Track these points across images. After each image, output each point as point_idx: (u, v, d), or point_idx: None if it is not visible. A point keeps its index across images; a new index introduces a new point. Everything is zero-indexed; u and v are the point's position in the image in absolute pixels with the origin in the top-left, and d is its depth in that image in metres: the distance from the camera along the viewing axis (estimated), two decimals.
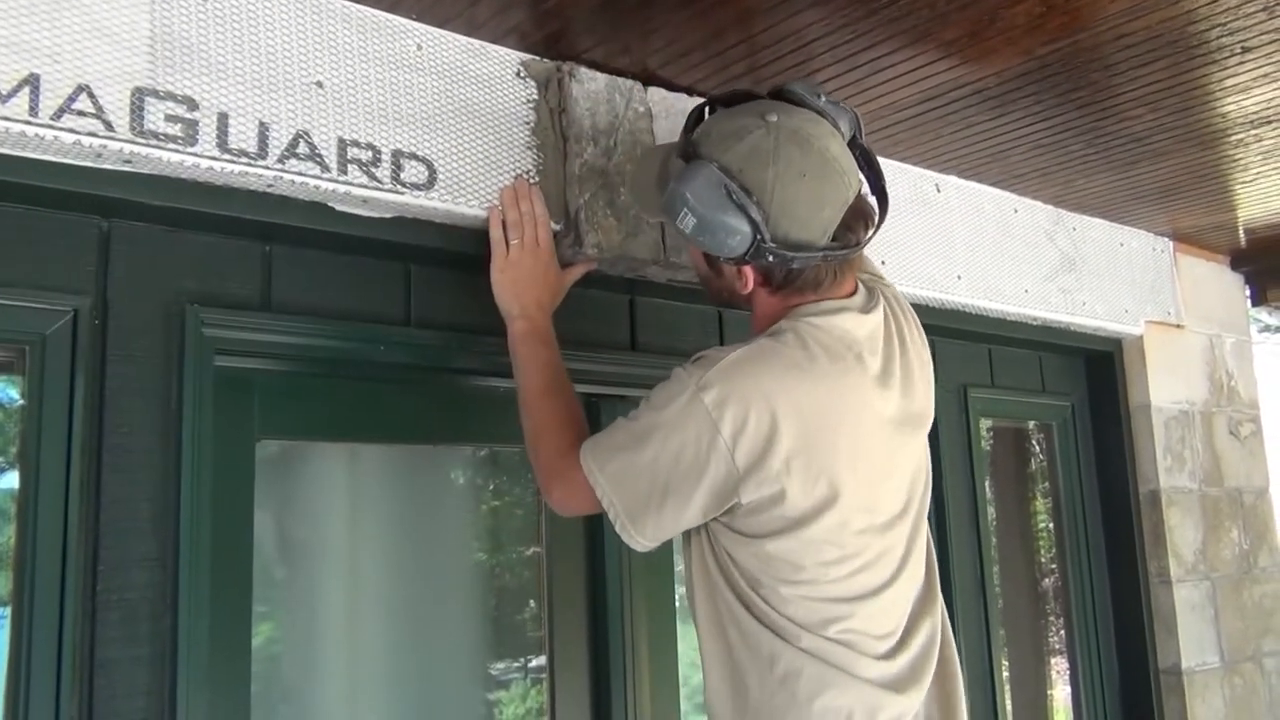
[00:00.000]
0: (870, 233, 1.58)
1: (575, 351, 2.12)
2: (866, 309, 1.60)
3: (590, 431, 1.67)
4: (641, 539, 1.56)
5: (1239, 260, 3.70)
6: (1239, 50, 2.06)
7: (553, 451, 1.67)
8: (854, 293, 1.62)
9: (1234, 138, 2.53)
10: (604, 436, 1.59)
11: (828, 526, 1.49)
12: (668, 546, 2.30)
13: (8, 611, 1.53)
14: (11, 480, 1.59)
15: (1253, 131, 2.49)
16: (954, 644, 1.68)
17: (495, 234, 1.85)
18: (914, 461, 1.65)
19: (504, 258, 1.83)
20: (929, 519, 1.72)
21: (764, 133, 1.49)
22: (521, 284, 1.82)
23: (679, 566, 2.38)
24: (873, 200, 1.65)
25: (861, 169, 1.62)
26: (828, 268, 1.55)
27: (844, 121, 1.60)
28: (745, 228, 1.46)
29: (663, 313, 2.28)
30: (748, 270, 1.56)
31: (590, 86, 2.01)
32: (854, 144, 1.61)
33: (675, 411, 1.49)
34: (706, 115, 1.65)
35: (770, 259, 1.49)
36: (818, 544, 1.50)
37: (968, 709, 1.68)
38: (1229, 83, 2.21)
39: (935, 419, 1.69)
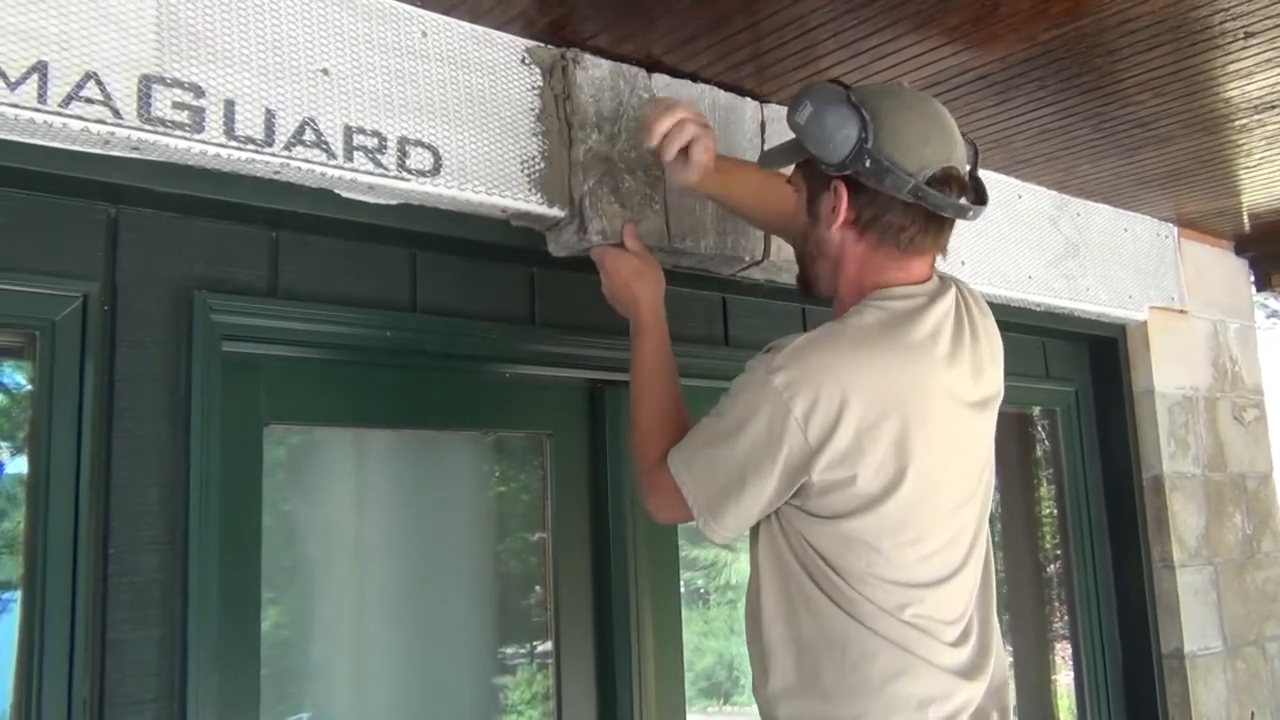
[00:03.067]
0: (964, 201, 1.59)
1: (579, 337, 2.14)
2: (936, 296, 1.63)
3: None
4: (722, 530, 1.61)
5: (1243, 245, 3.70)
6: (1242, 35, 2.07)
7: (647, 462, 1.73)
8: (927, 279, 1.66)
9: (1238, 123, 2.53)
10: (688, 438, 1.66)
11: (901, 503, 1.52)
12: (670, 533, 2.32)
13: (15, 594, 1.55)
14: (23, 465, 1.61)
15: (1256, 116, 2.49)
16: (999, 634, 1.70)
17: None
18: (982, 448, 1.69)
19: (613, 261, 1.93)
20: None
21: (895, 85, 1.69)
22: (636, 277, 1.90)
23: (684, 552, 2.40)
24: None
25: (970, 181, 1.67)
26: (915, 215, 1.58)
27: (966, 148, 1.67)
28: (854, 127, 1.56)
29: (666, 298, 2.28)
30: (842, 193, 1.60)
31: (594, 73, 2.02)
32: (972, 174, 1.68)
33: (750, 399, 1.55)
34: None
35: (868, 164, 1.55)
36: (894, 522, 1.53)
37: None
38: (1232, 68, 2.22)
39: None
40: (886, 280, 1.62)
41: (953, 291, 1.67)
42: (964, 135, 1.67)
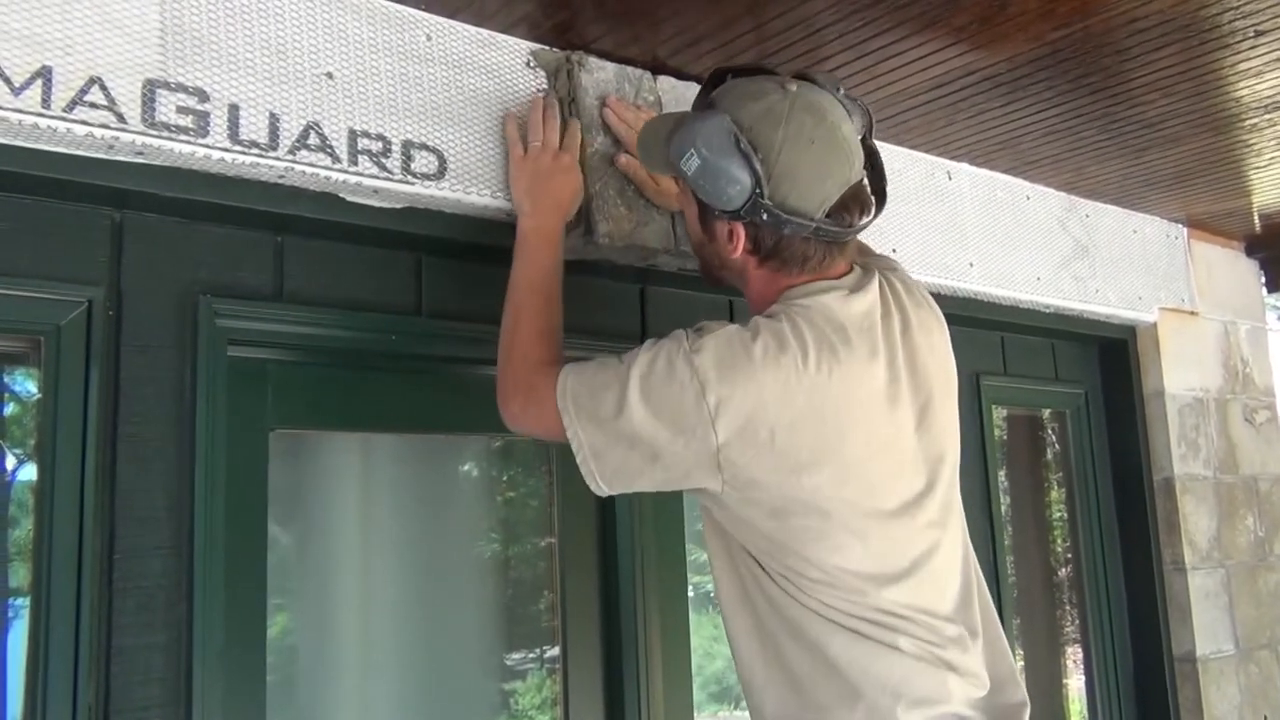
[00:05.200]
0: (865, 219, 1.57)
1: (585, 340, 2.13)
2: (857, 289, 1.58)
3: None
4: (604, 485, 1.54)
5: (1254, 246, 3.68)
6: (1252, 34, 2.05)
7: (525, 362, 1.65)
8: (845, 274, 1.61)
9: (1248, 123, 2.51)
10: (589, 369, 1.57)
11: (830, 504, 1.46)
12: (678, 537, 2.31)
13: (27, 600, 1.55)
14: (29, 472, 1.61)
15: (1266, 116, 2.47)
16: (1005, 641, 1.64)
17: (511, 133, 1.87)
18: (928, 448, 1.61)
19: (521, 157, 1.84)
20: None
21: (781, 97, 1.52)
22: (537, 181, 1.82)
23: (692, 556, 2.38)
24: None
25: (866, 166, 1.62)
26: (816, 245, 1.55)
27: (857, 115, 1.61)
28: (746, 179, 1.48)
29: (673, 302, 2.28)
30: (739, 230, 1.55)
31: (599, 76, 2.01)
32: (863, 141, 1.62)
33: (664, 366, 1.48)
34: (728, 80, 1.65)
35: (765, 217, 1.49)
36: (822, 525, 1.47)
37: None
38: (1242, 67, 2.20)
39: None
40: (800, 281, 1.57)
41: (875, 283, 1.61)
42: (856, 103, 1.60)
